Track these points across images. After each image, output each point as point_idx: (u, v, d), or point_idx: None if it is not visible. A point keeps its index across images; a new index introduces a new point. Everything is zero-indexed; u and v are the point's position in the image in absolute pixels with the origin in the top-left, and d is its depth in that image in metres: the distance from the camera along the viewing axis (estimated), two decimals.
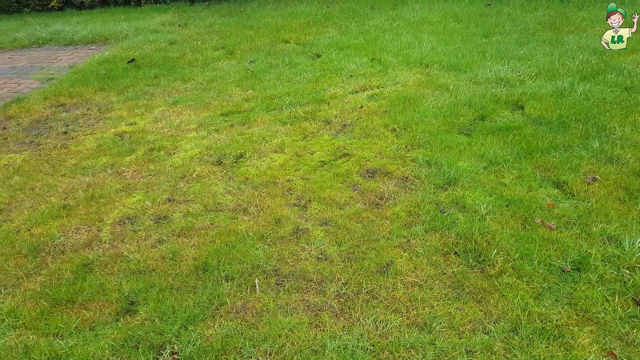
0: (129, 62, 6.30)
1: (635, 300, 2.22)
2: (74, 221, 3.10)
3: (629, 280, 2.32)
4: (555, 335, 2.09)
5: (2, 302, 2.49)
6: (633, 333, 2.07)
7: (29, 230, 3.04)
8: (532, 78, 4.67)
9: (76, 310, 2.40)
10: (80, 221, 3.10)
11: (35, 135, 4.45)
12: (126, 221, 3.06)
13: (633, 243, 2.52)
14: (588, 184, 3.03)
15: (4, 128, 4.64)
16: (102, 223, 3.07)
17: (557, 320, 2.16)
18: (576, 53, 5.17)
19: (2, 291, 2.57)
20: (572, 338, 2.07)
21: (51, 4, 10.04)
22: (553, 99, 4.14)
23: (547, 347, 2.04)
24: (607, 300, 2.23)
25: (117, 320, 2.33)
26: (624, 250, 2.49)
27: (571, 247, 2.54)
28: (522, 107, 4.12)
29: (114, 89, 5.44)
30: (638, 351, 2.00)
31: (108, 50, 7.02)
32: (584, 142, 3.48)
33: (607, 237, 2.61)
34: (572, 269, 2.42)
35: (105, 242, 2.89)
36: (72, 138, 4.31)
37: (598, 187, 2.99)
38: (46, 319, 2.36)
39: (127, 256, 2.74)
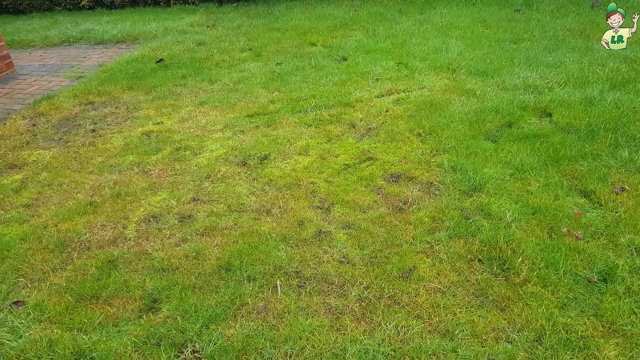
0: (158, 62, 6.40)
1: None
2: (100, 218, 3.16)
3: None
4: (581, 347, 2.05)
5: (28, 296, 2.54)
6: None
7: (56, 225, 3.11)
8: (561, 85, 4.60)
9: (100, 306, 2.44)
10: (106, 218, 3.15)
11: (64, 132, 4.55)
12: (151, 219, 3.11)
13: None
14: (616, 193, 2.97)
15: (34, 125, 4.75)
16: (128, 221, 3.12)
17: (582, 332, 2.12)
18: (606, 61, 5.07)
19: (29, 285, 2.63)
20: (597, 350, 2.03)
21: (82, 3, 10.25)
22: (582, 107, 4.07)
23: (571, 358, 2.01)
24: (634, 313, 2.19)
25: (140, 317, 2.36)
26: None
27: (598, 257, 2.49)
28: (550, 115, 4.05)
29: (142, 88, 5.53)
30: None
31: (137, 50, 7.13)
32: (613, 152, 3.41)
33: (635, 248, 2.55)
34: (598, 279, 2.37)
35: (130, 240, 2.93)
36: (100, 136, 4.39)
37: (627, 197, 2.93)
38: (70, 313, 2.41)
39: (151, 254, 2.78)
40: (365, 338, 2.16)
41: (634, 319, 2.15)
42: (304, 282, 2.50)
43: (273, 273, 2.57)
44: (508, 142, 3.65)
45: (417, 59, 5.68)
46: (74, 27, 8.63)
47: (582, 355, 2.02)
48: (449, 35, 6.55)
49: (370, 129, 4.08)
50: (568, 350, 2.04)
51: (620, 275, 2.36)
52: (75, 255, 2.83)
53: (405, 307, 2.31)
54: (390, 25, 7.34)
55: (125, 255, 2.79)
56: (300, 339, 2.17)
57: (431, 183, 3.26)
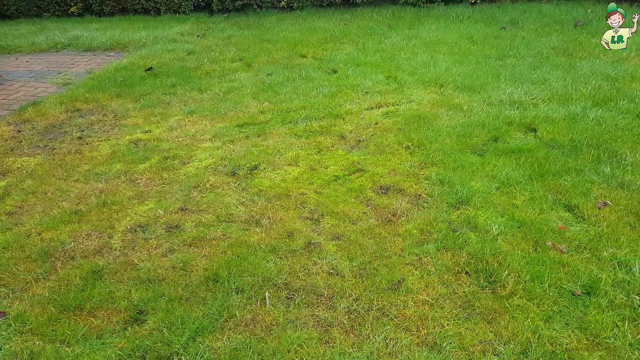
0: (147, 70, 6.38)
1: None
2: (85, 227, 3.12)
3: (639, 306, 2.30)
4: (565, 359, 2.08)
5: (9, 307, 2.49)
6: None
7: (39, 234, 3.07)
8: (545, 102, 4.69)
9: (84, 318, 2.40)
10: (91, 227, 3.12)
11: (49, 139, 4.50)
12: (137, 229, 3.08)
13: None
14: (599, 208, 3.03)
15: (19, 131, 4.70)
16: (114, 230, 3.09)
17: (567, 344, 2.14)
18: (589, 78, 5.18)
19: (10, 295, 2.57)
20: None
21: (71, 9, 10.19)
22: (565, 123, 4.15)
23: None
24: (617, 326, 2.22)
25: (125, 329, 2.33)
26: (634, 276, 2.48)
27: (582, 271, 2.53)
28: (534, 130, 4.12)
29: (131, 96, 5.50)
30: None
31: (126, 58, 7.11)
32: (596, 167, 3.47)
33: (617, 262, 2.60)
34: (582, 292, 2.41)
35: (115, 250, 2.90)
36: (87, 144, 4.36)
37: (609, 212, 2.99)
38: (53, 325, 2.36)
39: (137, 264, 2.76)
40: (354, 351, 2.16)
41: (617, 332, 2.19)
42: (293, 294, 2.49)
43: (262, 285, 2.56)
44: (494, 156, 3.71)
45: (405, 73, 5.74)
46: (62, 34, 8.57)
47: None
48: (437, 51, 6.64)
49: (359, 140, 4.11)
50: None
51: (603, 289, 2.40)
52: (59, 265, 2.79)
53: (394, 319, 2.32)
54: (380, 39, 7.42)
55: (111, 266, 2.76)
56: (288, 351, 2.16)
57: (419, 195, 3.28)
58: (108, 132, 4.61)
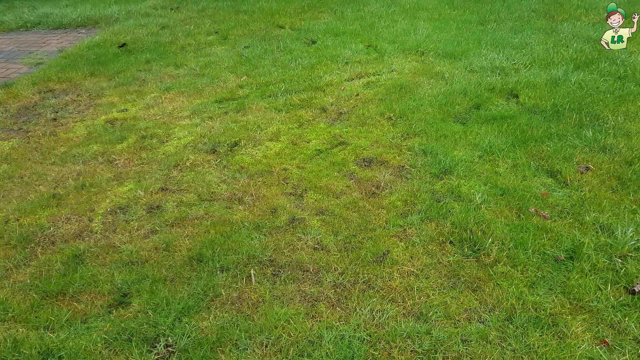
0: (120, 46, 6.20)
1: (627, 288, 2.24)
2: (64, 211, 3.06)
3: (621, 269, 2.33)
4: (549, 324, 2.10)
5: None
6: (625, 321, 2.09)
7: (17, 220, 3.00)
8: (527, 67, 4.66)
9: (67, 303, 2.37)
10: (70, 211, 3.06)
11: (23, 122, 4.38)
12: (118, 211, 3.03)
13: (625, 232, 2.53)
14: (581, 173, 3.04)
15: None
16: (94, 213, 3.03)
17: (551, 309, 2.17)
18: (570, 41, 5.16)
19: None
20: (565, 327, 2.08)
21: None
22: (547, 88, 4.13)
23: (541, 335, 2.06)
24: (600, 289, 2.25)
25: (110, 313, 2.30)
26: (616, 239, 2.50)
27: (565, 236, 2.55)
28: (516, 96, 4.10)
29: (105, 74, 5.35)
30: (629, 339, 2.02)
31: (98, 34, 6.90)
32: (578, 132, 3.48)
33: (600, 226, 2.62)
34: (565, 257, 2.43)
35: (96, 233, 2.85)
36: (62, 125, 4.24)
37: (591, 177, 3.00)
38: (36, 311, 2.33)
39: (119, 247, 2.72)
40: (341, 324, 2.17)
41: (599, 295, 2.22)
42: (279, 271, 2.48)
43: (246, 262, 2.54)
44: (476, 124, 3.69)
45: (386, 41, 5.66)
46: (32, 12, 8.29)
47: (551, 332, 2.07)
48: (417, 17, 6.54)
49: (341, 113, 4.06)
50: (538, 328, 2.09)
51: (586, 253, 2.42)
52: (39, 250, 2.74)
53: (380, 291, 2.32)
54: (359, 7, 7.28)
55: (92, 249, 2.71)
56: (275, 328, 2.16)
57: (403, 167, 3.26)
58: (83, 112, 4.49)
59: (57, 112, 4.52)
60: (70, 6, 8.51)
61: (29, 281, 2.51)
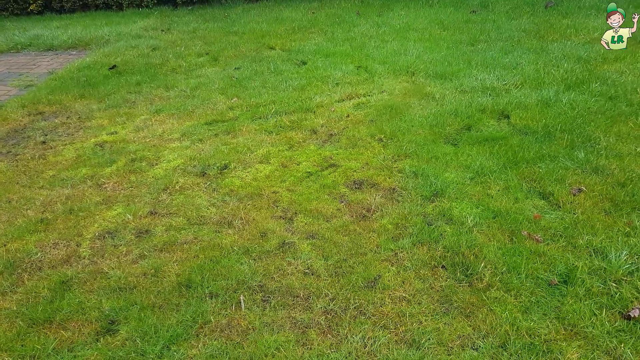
0: (110, 68, 6.20)
1: (622, 314, 2.21)
2: (52, 236, 3.01)
3: (616, 294, 2.30)
4: (544, 351, 2.07)
5: None
6: (620, 347, 2.05)
7: (4, 245, 2.95)
8: (518, 87, 4.69)
9: (54, 330, 2.32)
10: (58, 236, 3.01)
11: (12, 145, 4.34)
12: (106, 235, 2.98)
13: (619, 255, 2.51)
14: (574, 195, 3.03)
15: None
16: (82, 238, 2.98)
17: (545, 335, 2.14)
18: (561, 61, 5.20)
19: None
20: (560, 354, 2.05)
21: (30, 7, 9.87)
22: (538, 109, 4.15)
23: None
24: (595, 314, 2.22)
25: (97, 341, 2.25)
26: (610, 263, 2.47)
27: (558, 259, 2.53)
28: (507, 117, 4.12)
29: (95, 96, 5.34)
30: None
31: (89, 56, 6.90)
32: (570, 153, 3.48)
33: (594, 249, 2.60)
34: (559, 282, 2.40)
35: (84, 258, 2.81)
36: (51, 148, 4.21)
37: (584, 198, 2.99)
38: (22, 339, 2.28)
39: (107, 272, 2.67)
40: (332, 352, 2.12)
41: (594, 321, 2.19)
42: (268, 296, 2.44)
43: (236, 288, 2.50)
44: (468, 145, 3.69)
45: (376, 62, 5.69)
46: (22, 33, 8.29)
47: None
48: (408, 38, 6.60)
49: (331, 134, 4.05)
50: (532, 355, 2.05)
51: (580, 277, 2.40)
52: (26, 276, 2.68)
53: (372, 317, 2.28)
54: (349, 28, 7.35)
55: (80, 275, 2.66)
56: (265, 356, 2.12)
57: (393, 189, 3.25)
58: (72, 135, 4.46)
59: (46, 135, 4.48)
60: (61, 28, 8.53)
61: (15, 308, 2.46)
